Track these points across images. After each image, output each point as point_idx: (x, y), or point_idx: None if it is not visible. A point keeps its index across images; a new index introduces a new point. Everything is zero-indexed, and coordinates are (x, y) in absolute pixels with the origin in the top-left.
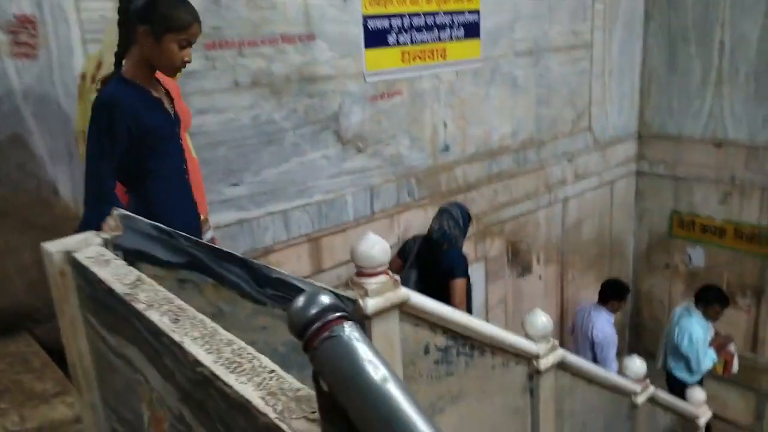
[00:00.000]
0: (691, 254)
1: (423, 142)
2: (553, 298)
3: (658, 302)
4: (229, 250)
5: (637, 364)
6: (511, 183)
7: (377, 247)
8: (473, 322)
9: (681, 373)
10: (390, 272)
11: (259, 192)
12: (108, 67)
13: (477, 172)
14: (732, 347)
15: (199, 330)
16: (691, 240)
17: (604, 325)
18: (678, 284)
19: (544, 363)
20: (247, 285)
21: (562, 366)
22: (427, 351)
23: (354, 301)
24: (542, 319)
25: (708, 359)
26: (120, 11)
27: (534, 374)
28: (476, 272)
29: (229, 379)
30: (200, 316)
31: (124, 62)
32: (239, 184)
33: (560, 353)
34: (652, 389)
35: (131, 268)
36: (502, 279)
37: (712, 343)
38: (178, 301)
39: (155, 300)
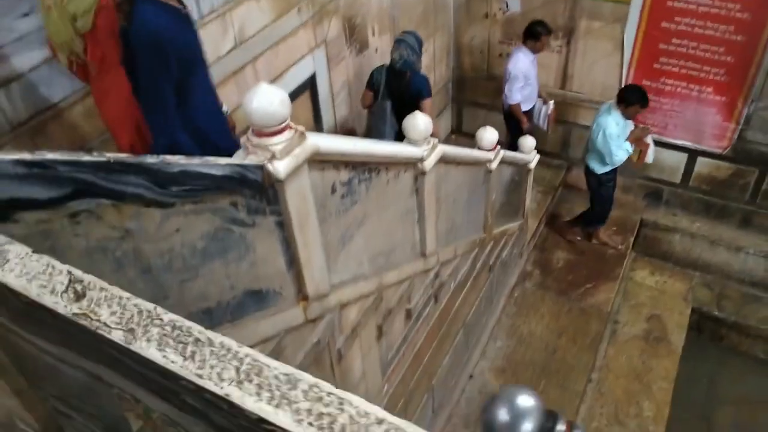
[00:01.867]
0: (508, 1)
1: None
2: None
3: (479, 53)
4: (120, 158)
5: (488, 133)
6: None
7: (277, 100)
8: (368, 147)
9: (593, 164)
10: (293, 124)
11: None
12: None
13: None
14: (649, 138)
15: (225, 360)
16: None
17: (518, 59)
18: (496, 33)
19: (428, 164)
20: (149, 191)
21: (441, 159)
22: (333, 190)
23: (261, 167)
24: (423, 121)
25: (621, 152)
26: None
27: (419, 175)
28: (318, 60)
29: None
30: (205, 331)
31: None
32: (32, 12)
33: (440, 150)
34: (501, 153)
35: (48, 258)
36: (344, 60)
37: (629, 137)
38: (163, 312)
39: (124, 315)
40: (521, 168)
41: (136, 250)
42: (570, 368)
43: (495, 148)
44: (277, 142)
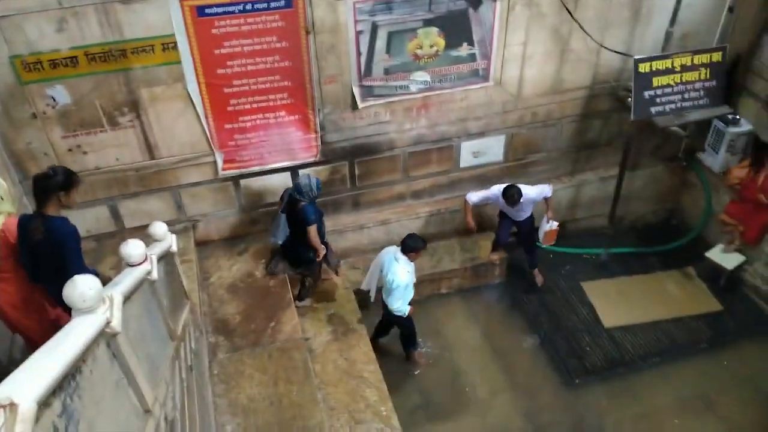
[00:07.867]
0: (53, 95)
1: None
2: None
3: (44, 155)
4: None
5: (132, 248)
6: None
7: None
8: (61, 358)
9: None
10: None
11: None
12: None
13: None
14: None
15: None
16: (47, 80)
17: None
18: (56, 129)
19: (116, 322)
20: None
21: None
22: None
23: None
24: (84, 285)
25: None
26: (40, 190)
27: (111, 339)
28: None
29: None
30: None
31: (47, 209)
32: None
33: (119, 299)
34: (154, 259)
35: None
36: None
37: None
38: None
39: None
40: (168, 256)
41: None
42: (300, 407)
43: (145, 259)
44: None
